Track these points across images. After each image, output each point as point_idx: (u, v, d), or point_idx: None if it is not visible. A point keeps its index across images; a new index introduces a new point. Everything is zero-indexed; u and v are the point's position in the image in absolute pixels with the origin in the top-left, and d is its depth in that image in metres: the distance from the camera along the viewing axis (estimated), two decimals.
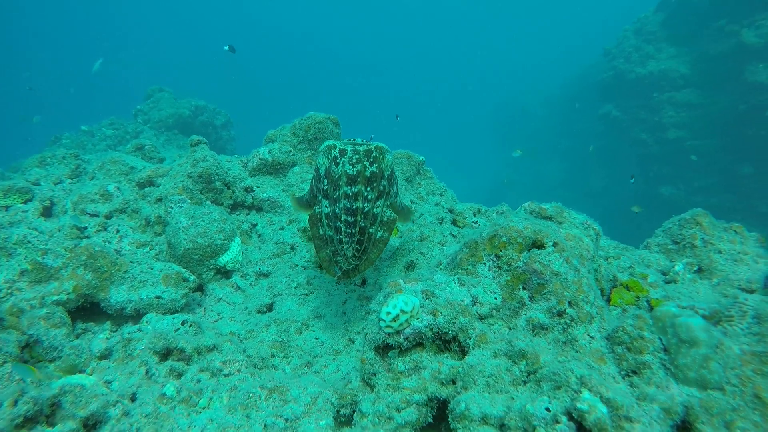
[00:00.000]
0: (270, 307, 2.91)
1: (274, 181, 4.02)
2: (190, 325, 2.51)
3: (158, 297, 2.79)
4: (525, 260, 1.68)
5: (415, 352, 1.56)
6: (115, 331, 2.81)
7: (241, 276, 3.28)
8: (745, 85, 14.04)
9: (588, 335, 1.54)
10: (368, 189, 2.07)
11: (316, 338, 2.46)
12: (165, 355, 2.19)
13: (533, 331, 1.58)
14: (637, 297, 1.91)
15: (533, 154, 25.67)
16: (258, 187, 3.91)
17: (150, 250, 3.41)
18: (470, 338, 1.54)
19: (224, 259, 3.20)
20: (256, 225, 3.78)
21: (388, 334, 1.54)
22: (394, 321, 1.52)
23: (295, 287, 2.91)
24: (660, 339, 1.41)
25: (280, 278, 3.08)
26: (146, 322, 2.69)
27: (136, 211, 3.65)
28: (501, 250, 1.73)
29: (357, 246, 2.12)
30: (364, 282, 2.88)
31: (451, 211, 3.62)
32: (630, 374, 1.40)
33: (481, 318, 1.65)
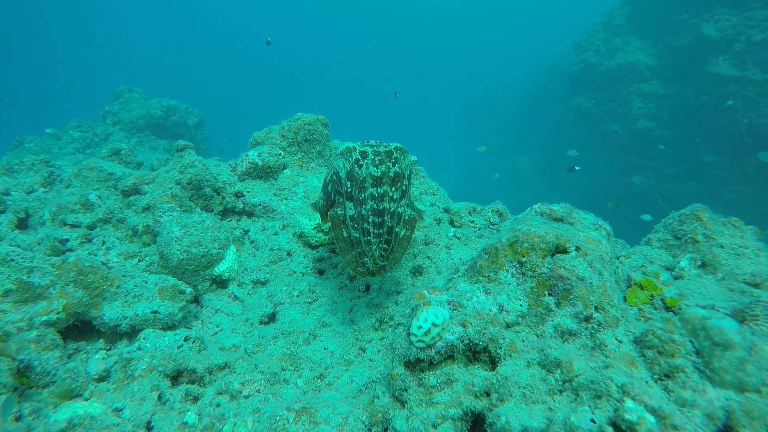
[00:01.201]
0: (272, 317, 2.84)
1: (265, 185, 3.91)
2: (193, 341, 2.42)
3: (155, 312, 2.67)
4: (549, 266, 1.67)
5: (446, 365, 1.53)
6: (110, 350, 2.68)
7: (238, 285, 3.19)
8: (706, 76, 14.55)
9: (616, 339, 1.55)
10: (393, 189, 2.10)
11: (325, 348, 2.40)
12: (175, 377, 2.09)
13: (562, 338, 1.57)
14: (651, 296, 1.94)
15: (499, 149, 26.03)
16: (248, 191, 3.81)
17: (139, 261, 3.27)
18: (501, 348, 1.53)
19: (220, 269, 3.10)
20: (248, 231, 3.68)
21: (420, 348, 1.50)
22: (426, 335, 1.48)
23: (297, 296, 2.84)
24: (691, 342, 1.42)
25: (279, 286, 3.00)
26: (143, 339, 2.59)
27: (121, 220, 3.50)
28: (524, 257, 1.72)
29: (385, 246, 2.14)
30: (368, 287, 2.84)
31: (446, 210, 3.60)
32: (663, 378, 1.41)
33: (508, 326, 1.63)
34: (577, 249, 1.69)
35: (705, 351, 1.37)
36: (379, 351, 2.32)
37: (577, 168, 12.62)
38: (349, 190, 2.13)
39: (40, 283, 2.56)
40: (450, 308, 1.61)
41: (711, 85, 14.46)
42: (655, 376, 1.43)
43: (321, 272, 3.19)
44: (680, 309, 1.76)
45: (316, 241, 3.32)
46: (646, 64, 16.08)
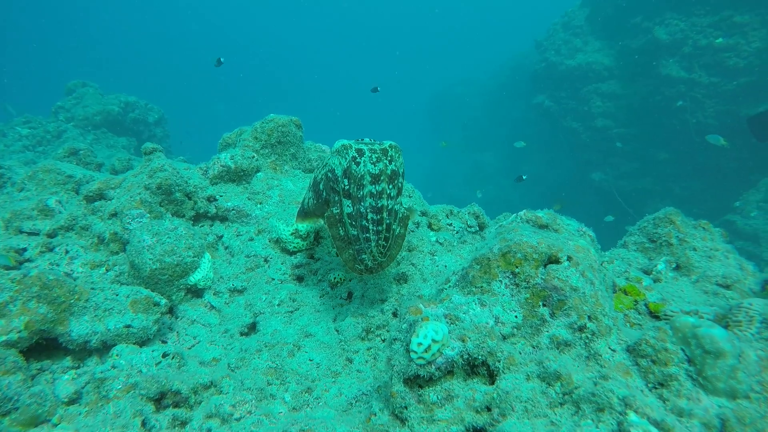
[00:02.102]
0: (252, 328, 2.75)
1: (238, 188, 3.79)
2: (173, 357, 2.31)
3: (128, 326, 2.54)
4: (543, 276, 1.68)
5: (446, 381, 1.52)
6: (79, 368, 2.53)
7: (214, 294, 3.08)
8: (659, 78, 15.23)
9: (609, 348, 1.58)
10: (390, 186, 2.14)
11: (310, 360, 2.35)
12: (158, 399, 1.99)
13: (558, 348, 1.59)
14: (635, 301, 2.00)
15: (463, 145, 26.44)
16: (221, 195, 3.68)
17: (107, 271, 3.10)
18: (499, 361, 1.53)
19: (195, 278, 2.98)
20: (221, 237, 3.56)
21: (420, 365, 1.48)
22: (426, 352, 1.47)
23: (278, 304, 2.77)
24: (683, 350, 1.47)
25: (258, 295, 2.91)
26: (116, 355, 2.45)
27: (85, 228, 3.31)
28: (517, 267, 1.73)
29: (383, 243, 2.18)
30: (350, 295, 2.80)
31: (424, 214, 3.60)
32: (657, 387, 1.45)
33: (504, 338, 1.64)
34: (569, 259, 1.72)
35: (697, 359, 1.42)
36: (366, 361, 2.29)
37: (524, 177, 12.99)
38: (347, 187, 2.14)
39: None
40: (447, 322, 1.60)
41: (663, 85, 15.15)
42: (649, 385, 1.46)
43: (300, 279, 3.12)
44: (665, 315, 1.82)
45: (294, 246, 3.25)
46: (603, 65, 16.67)
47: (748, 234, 12.54)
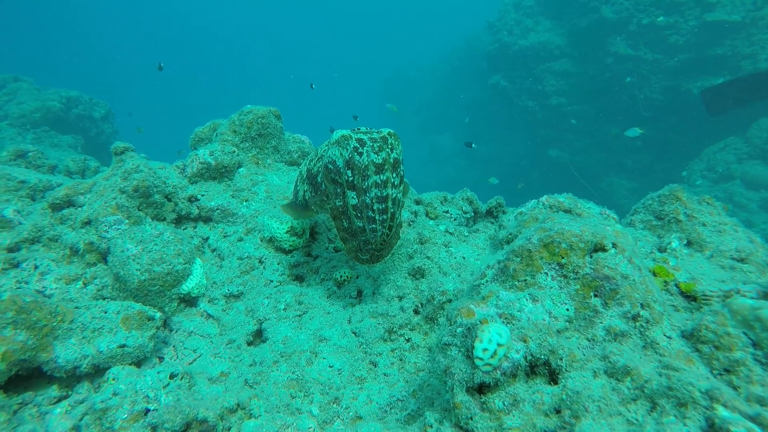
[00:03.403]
0: (258, 335, 2.58)
1: (220, 186, 3.54)
2: (181, 378, 2.11)
3: (122, 345, 2.31)
4: (592, 266, 1.62)
5: (509, 385, 1.44)
6: (67, 396, 2.28)
7: (209, 301, 2.86)
8: (608, 55, 15.72)
9: (665, 335, 1.55)
10: (394, 175, 2.11)
11: (330, 366, 2.22)
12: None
13: (616, 340, 1.54)
14: (666, 282, 1.98)
15: (418, 126, 26.60)
16: (203, 195, 3.42)
17: (85, 285, 2.81)
18: (561, 359, 1.46)
19: (188, 286, 2.75)
20: (207, 239, 3.32)
21: (486, 372, 1.39)
22: (493, 357, 1.37)
23: (284, 309, 2.60)
24: (745, 334, 1.45)
25: (258, 299, 2.73)
26: (113, 379, 2.23)
27: (54, 239, 2.98)
28: (563, 258, 1.66)
29: (387, 231, 2.16)
30: (359, 293, 2.67)
31: (418, 202, 3.50)
32: (723, 373, 1.43)
33: (558, 333, 1.57)
34: (614, 246, 1.66)
35: (763, 342, 1.41)
36: (392, 363, 2.19)
37: (474, 145, 13.16)
38: (351, 179, 2.07)
39: None
40: (503, 322, 1.51)
41: (612, 63, 15.65)
42: (714, 372, 1.44)
43: (300, 279, 2.96)
44: (704, 296, 1.81)
45: (290, 245, 3.07)
46: (555, 44, 17.01)
47: None
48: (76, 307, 2.37)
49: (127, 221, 2.96)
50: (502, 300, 1.62)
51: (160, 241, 2.71)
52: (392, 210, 2.13)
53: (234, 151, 3.58)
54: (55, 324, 2.25)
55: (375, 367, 2.19)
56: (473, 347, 1.39)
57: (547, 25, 17.52)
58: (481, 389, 1.46)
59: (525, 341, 1.46)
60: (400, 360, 2.19)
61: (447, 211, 3.38)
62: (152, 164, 3.40)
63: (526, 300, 1.60)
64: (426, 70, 29.87)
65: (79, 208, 3.09)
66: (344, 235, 2.26)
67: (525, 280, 1.69)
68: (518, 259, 1.74)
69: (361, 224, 2.15)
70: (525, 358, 1.44)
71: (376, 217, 2.11)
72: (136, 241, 2.67)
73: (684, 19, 14.55)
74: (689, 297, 1.91)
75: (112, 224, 2.91)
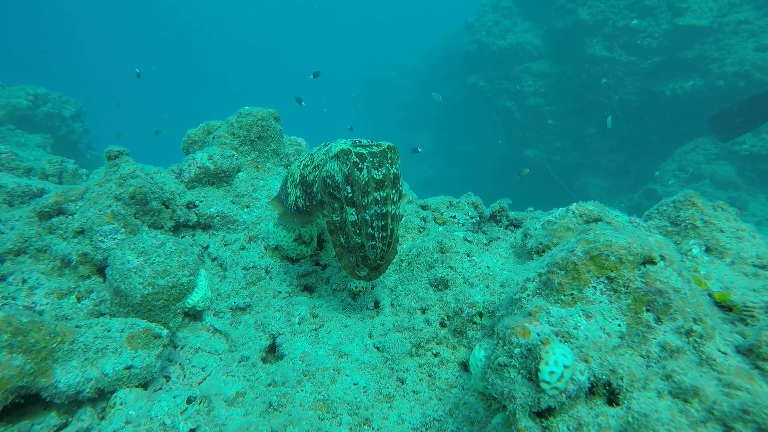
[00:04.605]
0: (271, 350, 2.45)
1: (219, 191, 3.38)
2: (200, 402, 1.97)
3: (129, 367, 2.15)
4: (643, 279, 1.58)
5: (571, 408, 1.38)
6: (67, 425, 2.11)
7: (214, 315, 2.72)
8: (584, 56, 16.01)
9: (719, 351, 1.52)
10: (394, 191, 2.08)
11: (354, 384, 2.11)
12: None
13: (672, 357, 1.50)
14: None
15: (397, 126, 26.59)
16: (201, 201, 3.25)
17: (78, 300, 2.62)
18: (622, 379, 1.41)
19: (194, 299, 2.59)
20: (207, 247, 3.16)
21: (552, 396, 1.32)
22: (560, 381, 1.31)
23: (299, 323, 2.48)
24: None
25: (269, 312, 2.60)
26: (120, 404, 2.07)
27: (43, 249, 2.77)
28: (612, 271, 1.61)
29: (386, 248, 2.14)
30: (376, 304, 2.57)
31: (424, 207, 3.43)
32: None
33: (614, 350, 1.52)
34: (663, 258, 1.63)
35: None
36: (421, 380, 2.10)
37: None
38: (350, 195, 2.03)
39: None
40: (560, 340, 1.45)
41: (588, 64, 15.96)
42: None
43: (309, 289, 2.84)
44: (746, 307, 1.79)
45: (297, 254, 2.95)
46: (533, 45, 17.23)
47: None
48: (77, 326, 2.19)
49: (123, 230, 2.78)
50: (553, 316, 1.55)
51: (162, 252, 2.55)
52: (391, 227, 2.12)
53: (233, 155, 3.42)
54: (54, 345, 2.07)
55: (403, 384, 2.10)
56: (538, 370, 1.32)
57: (525, 26, 17.74)
58: (540, 413, 1.40)
59: (587, 361, 1.40)
60: (429, 376, 2.10)
61: (454, 216, 3.32)
62: (147, 168, 3.21)
63: (580, 316, 1.55)
64: (405, 70, 29.89)
65: (70, 217, 2.89)
66: (341, 250, 2.23)
67: (572, 294, 1.64)
68: (562, 272, 1.68)
69: (359, 241, 2.12)
70: (589, 379, 1.38)
71: (376, 234, 2.09)
72: (137, 253, 2.50)
73: (656, 23, 14.95)
74: (724, 307, 1.90)
75: (107, 234, 2.73)
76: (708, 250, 2.44)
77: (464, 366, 2.11)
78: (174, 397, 1.97)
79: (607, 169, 16.92)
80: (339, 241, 2.21)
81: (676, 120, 14.83)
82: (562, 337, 1.47)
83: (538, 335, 1.44)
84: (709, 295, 1.95)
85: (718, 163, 13.38)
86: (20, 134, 8.75)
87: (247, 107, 3.65)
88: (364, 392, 2.08)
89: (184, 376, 2.42)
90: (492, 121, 19.40)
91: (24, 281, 2.63)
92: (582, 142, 17.10)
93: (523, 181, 18.63)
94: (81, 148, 10.72)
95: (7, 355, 1.96)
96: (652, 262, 1.63)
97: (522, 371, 1.39)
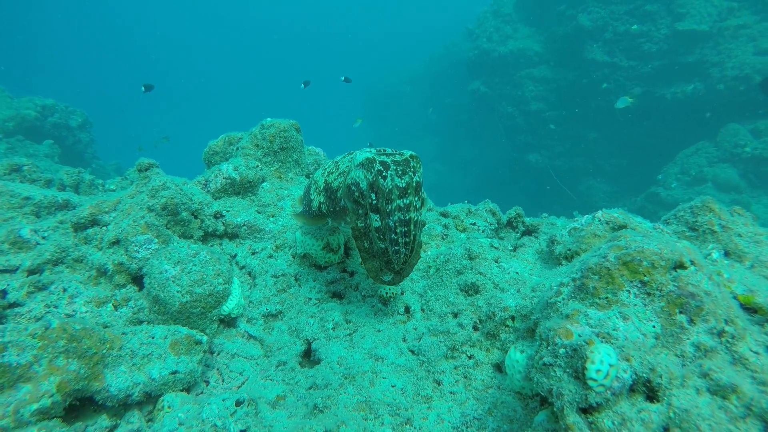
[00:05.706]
0: (306, 355, 2.53)
1: (244, 201, 3.47)
2: (248, 405, 2.05)
3: (174, 372, 2.23)
4: (676, 283, 1.67)
5: (615, 404, 1.46)
6: (117, 427, 2.18)
7: (248, 321, 2.80)
8: (585, 62, 16.18)
9: (752, 351, 1.60)
10: (416, 199, 2.16)
11: (392, 386, 2.19)
12: None
13: (706, 356, 1.58)
14: None
15: (399, 132, 26.72)
16: (228, 211, 3.34)
17: (115, 307, 2.70)
18: (661, 377, 1.49)
19: (229, 306, 2.68)
20: (235, 256, 3.24)
21: (599, 393, 1.41)
22: (606, 378, 1.39)
23: (333, 328, 2.56)
24: None
25: (302, 318, 2.68)
26: (168, 407, 2.15)
27: (79, 260, 2.86)
28: (646, 276, 1.69)
29: (409, 253, 2.21)
30: (407, 309, 2.66)
31: (445, 215, 3.52)
32: None
33: (651, 350, 1.60)
34: (693, 263, 1.71)
35: None
36: (457, 381, 2.18)
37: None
38: (375, 202, 2.11)
39: (20, 361, 1.96)
40: (602, 341, 1.54)
41: (589, 69, 16.12)
42: None
43: (339, 296, 2.92)
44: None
45: (326, 261, 3.03)
46: (534, 50, 17.40)
47: (670, 204, 13.76)
48: (123, 333, 2.27)
49: (156, 240, 2.87)
50: (591, 318, 1.64)
51: (198, 261, 2.63)
52: (414, 233, 2.19)
53: (258, 166, 3.52)
54: (104, 351, 2.15)
55: (439, 385, 2.18)
56: (585, 368, 1.41)
57: (525, 32, 17.91)
58: (586, 409, 1.48)
59: (628, 360, 1.48)
60: (465, 377, 2.18)
61: (474, 223, 3.41)
62: (175, 180, 3.31)
63: (617, 318, 1.63)
64: (406, 77, 30.09)
65: (104, 227, 2.98)
66: (365, 255, 2.30)
67: (607, 298, 1.72)
68: (596, 276, 1.77)
69: (383, 246, 2.19)
70: (631, 377, 1.46)
71: (399, 240, 2.16)
72: (174, 262, 2.59)
73: (656, 28, 15.11)
74: (749, 309, 1.98)
75: (142, 244, 2.81)
76: (727, 254, 2.53)
77: (498, 368, 2.19)
78: (223, 400, 2.06)
79: (609, 173, 17.02)
80: (363, 246, 2.29)
81: (677, 123, 14.96)
82: (603, 337, 1.56)
83: (580, 336, 1.52)
84: (734, 297, 2.04)
85: (720, 166, 13.49)
86: (29, 145, 8.86)
87: (269, 119, 3.75)
88: (402, 394, 2.16)
89: (223, 381, 2.50)
90: (493, 126, 19.54)
91: (64, 290, 2.71)
92: (584, 147, 17.22)
93: (527, 186, 18.75)
94: (87, 157, 10.82)
95: (64, 360, 2.04)
96: (682, 266, 1.71)
97: (568, 370, 1.48)
